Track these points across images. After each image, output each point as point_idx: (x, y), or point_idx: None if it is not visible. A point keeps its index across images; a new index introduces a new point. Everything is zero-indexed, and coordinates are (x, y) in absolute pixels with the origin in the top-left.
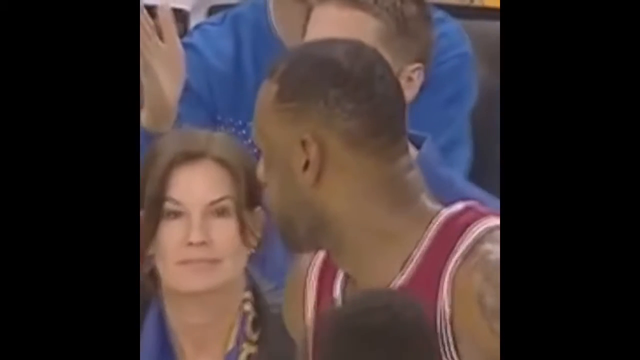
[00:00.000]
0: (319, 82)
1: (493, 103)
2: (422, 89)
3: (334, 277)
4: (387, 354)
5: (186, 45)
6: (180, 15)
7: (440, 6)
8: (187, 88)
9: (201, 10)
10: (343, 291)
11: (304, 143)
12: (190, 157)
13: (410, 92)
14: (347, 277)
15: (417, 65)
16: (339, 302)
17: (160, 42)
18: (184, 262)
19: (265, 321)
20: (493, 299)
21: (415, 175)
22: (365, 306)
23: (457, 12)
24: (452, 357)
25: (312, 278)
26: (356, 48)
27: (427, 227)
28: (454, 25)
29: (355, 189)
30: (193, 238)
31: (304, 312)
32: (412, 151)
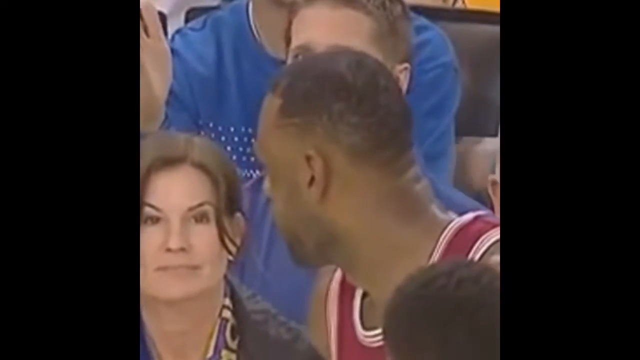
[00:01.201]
0: (322, 96)
1: (474, 108)
2: (407, 92)
3: (352, 297)
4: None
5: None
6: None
7: (422, 9)
8: (170, 92)
9: (179, 13)
10: (361, 312)
11: (308, 158)
12: (169, 162)
13: None
14: (364, 295)
15: (405, 65)
16: (358, 325)
17: (147, 39)
18: (163, 269)
19: (244, 328)
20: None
21: (424, 186)
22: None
23: (438, 14)
24: None
25: (333, 295)
26: (358, 60)
27: (438, 238)
28: (438, 32)
29: (363, 203)
30: (172, 244)
31: (327, 333)
32: None
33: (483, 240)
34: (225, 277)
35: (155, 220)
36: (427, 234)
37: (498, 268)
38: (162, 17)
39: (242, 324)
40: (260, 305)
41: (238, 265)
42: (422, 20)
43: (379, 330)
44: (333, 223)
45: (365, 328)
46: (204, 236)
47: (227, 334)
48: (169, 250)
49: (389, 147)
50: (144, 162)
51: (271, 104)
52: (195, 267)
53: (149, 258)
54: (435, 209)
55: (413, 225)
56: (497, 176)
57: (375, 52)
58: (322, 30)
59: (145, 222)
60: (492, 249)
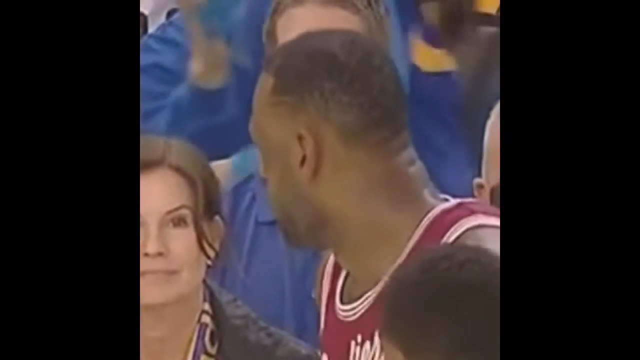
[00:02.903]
0: (314, 74)
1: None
2: None
3: (340, 275)
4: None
5: (167, 40)
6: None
7: None
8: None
9: (160, 14)
10: (342, 288)
11: (300, 138)
12: (146, 165)
13: None
14: (348, 275)
15: None
16: (337, 300)
17: None
18: (141, 274)
19: (224, 333)
20: None
21: (417, 169)
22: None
23: None
24: None
25: (327, 273)
26: (352, 40)
27: (419, 223)
28: None
29: (354, 184)
30: (149, 249)
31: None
32: None
33: (457, 227)
34: (204, 281)
35: None
36: (413, 218)
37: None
38: (144, 18)
39: (221, 329)
40: (240, 310)
41: (218, 270)
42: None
43: (353, 305)
44: (323, 204)
45: (342, 302)
46: (182, 240)
47: (207, 339)
48: (146, 255)
49: (382, 128)
50: None
51: (264, 82)
52: (173, 272)
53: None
54: (427, 194)
55: (403, 209)
56: (482, 179)
57: None
58: (312, 28)
59: None
60: (464, 235)
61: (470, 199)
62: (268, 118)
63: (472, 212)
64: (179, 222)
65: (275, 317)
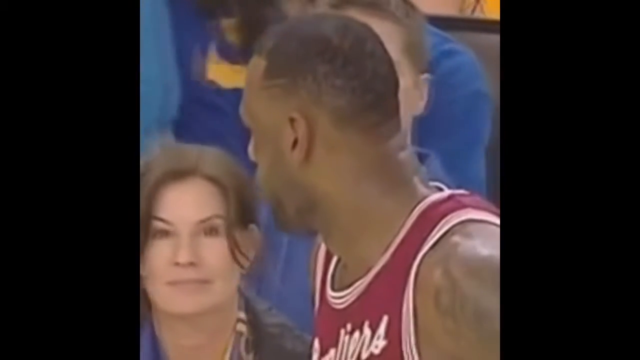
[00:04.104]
0: (307, 58)
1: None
2: (434, 132)
3: (331, 260)
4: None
5: None
6: None
7: (440, 18)
8: None
9: None
10: (333, 275)
11: (292, 120)
12: (179, 175)
13: (422, 103)
14: (339, 259)
15: (427, 75)
16: (328, 286)
17: None
18: (173, 283)
19: (260, 341)
20: (448, 296)
21: (408, 156)
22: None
23: (457, 24)
24: (411, 352)
25: (319, 259)
26: (345, 24)
27: (411, 212)
28: (469, 57)
29: (345, 168)
30: (180, 258)
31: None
32: None
33: (447, 221)
34: (240, 290)
35: (165, 234)
36: (404, 206)
37: (454, 249)
38: None
39: (257, 338)
40: (276, 319)
41: (254, 278)
42: (453, 44)
43: (343, 292)
44: (314, 187)
45: (333, 289)
46: (214, 250)
47: (242, 347)
48: (178, 264)
49: (374, 112)
50: (154, 175)
51: (256, 65)
52: (205, 281)
53: (159, 272)
54: (418, 182)
55: (393, 195)
56: None
57: (405, 61)
58: None
59: (155, 236)
60: (454, 229)
61: (461, 191)
62: (259, 101)
63: (463, 206)
64: (211, 231)
65: (311, 326)
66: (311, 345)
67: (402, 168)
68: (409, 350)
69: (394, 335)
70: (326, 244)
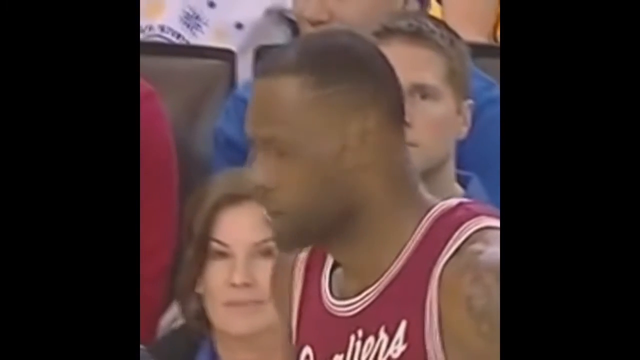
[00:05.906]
0: (341, 66)
1: None
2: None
3: (320, 270)
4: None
5: (237, 97)
6: (228, 56)
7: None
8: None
9: (248, 51)
10: (330, 278)
11: (342, 127)
12: (236, 198)
13: (465, 128)
14: (334, 267)
15: (470, 101)
16: (327, 295)
17: None
18: (230, 304)
19: None
20: (482, 301)
21: (412, 163)
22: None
23: (484, 51)
24: (435, 352)
25: (299, 270)
26: (354, 35)
27: (421, 220)
28: None
29: (381, 172)
30: (236, 279)
31: (290, 299)
32: (459, 190)
33: (464, 229)
34: None
35: (222, 255)
36: (413, 213)
37: (479, 257)
38: (231, 55)
39: None
40: None
41: None
42: (498, 91)
43: (351, 300)
44: (358, 191)
45: (335, 298)
46: (268, 271)
47: None
48: (233, 285)
49: (398, 119)
50: (212, 198)
51: (288, 83)
52: (260, 302)
53: (216, 293)
54: (423, 190)
55: (405, 204)
56: None
57: (448, 89)
58: (399, 68)
59: (213, 257)
60: (473, 237)
61: (467, 199)
62: (302, 114)
63: (476, 214)
64: (267, 253)
65: None
66: (298, 353)
67: (411, 176)
68: (433, 354)
69: (414, 339)
70: (332, 253)
